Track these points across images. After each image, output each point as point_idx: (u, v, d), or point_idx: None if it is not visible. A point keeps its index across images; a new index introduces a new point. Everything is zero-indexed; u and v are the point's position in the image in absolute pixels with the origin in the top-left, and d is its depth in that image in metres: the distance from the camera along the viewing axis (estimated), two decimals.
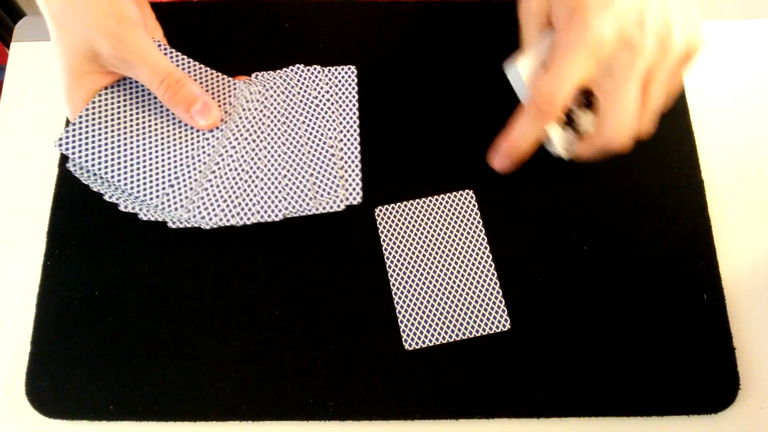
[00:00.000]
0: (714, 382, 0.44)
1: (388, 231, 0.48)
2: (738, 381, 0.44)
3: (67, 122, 0.51)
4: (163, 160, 0.42)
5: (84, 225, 0.48)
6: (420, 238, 0.47)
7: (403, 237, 0.47)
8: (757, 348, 0.46)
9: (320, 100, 0.45)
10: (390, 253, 0.47)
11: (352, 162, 0.44)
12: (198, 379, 0.44)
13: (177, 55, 0.44)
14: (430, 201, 0.48)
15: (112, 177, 0.42)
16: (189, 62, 0.44)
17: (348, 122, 0.45)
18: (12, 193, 0.50)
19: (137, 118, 0.43)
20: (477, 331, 0.45)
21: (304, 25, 0.53)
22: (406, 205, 0.48)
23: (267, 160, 0.43)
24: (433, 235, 0.47)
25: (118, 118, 0.42)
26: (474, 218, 0.48)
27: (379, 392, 0.44)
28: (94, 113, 0.42)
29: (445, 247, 0.47)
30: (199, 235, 0.47)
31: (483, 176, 0.49)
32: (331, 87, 0.45)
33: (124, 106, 0.43)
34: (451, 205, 0.48)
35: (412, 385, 0.44)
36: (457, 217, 0.48)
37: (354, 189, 0.43)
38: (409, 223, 0.48)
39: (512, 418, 0.44)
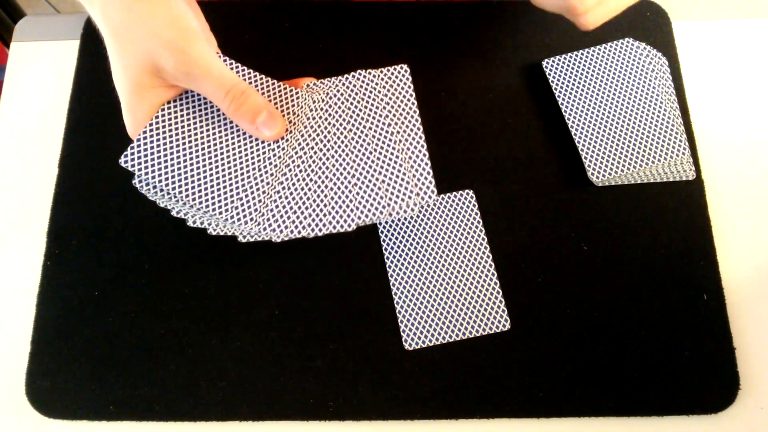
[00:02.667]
0: (714, 382, 0.44)
1: (388, 231, 0.48)
2: (738, 381, 0.44)
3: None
4: (230, 174, 0.41)
5: (84, 225, 0.48)
6: (420, 238, 0.47)
7: (403, 237, 0.47)
8: (757, 348, 0.46)
9: (381, 103, 0.44)
10: (390, 253, 0.47)
11: (421, 161, 0.42)
12: (198, 379, 0.44)
13: (238, 66, 0.43)
14: (434, 194, 0.48)
15: (180, 192, 0.40)
16: (250, 73, 0.43)
17: (410, 122, 0.43)
18: (12, 193, 0.50)
19: (201, 132, 0.42)
20: (477, 331, 0.45)
21: (304, 25, 0.53)
22: None
23: (335, 168, 0.42)
24: (433, 235, 0.47)
25: (183, 133, 0.41)
26: (474, 218, 0.48)
27: (379, 392, 0.44)
28: (157, 128, 0.41)
29: (445, 247, 0.47)
30: (198, 235, 0.47)
31: (483, 176, 0.49)
32: (389, 89, 0.44)
33: (188, 120, 0.42)
34: (451, 205, 0.48)
35: (412, 385, 0.44)
36: (457, 217, 0.48)
37: (428, 188, 0.41)
38: (409, 223, 0.48)
39: (512, 418, 0.44)
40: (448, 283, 0.46)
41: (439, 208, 0.48)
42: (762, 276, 0.48)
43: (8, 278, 0.47)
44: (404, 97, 0.44)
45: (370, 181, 0.42)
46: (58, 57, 0.54)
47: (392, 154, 0.42)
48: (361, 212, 0.41)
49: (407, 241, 0.47)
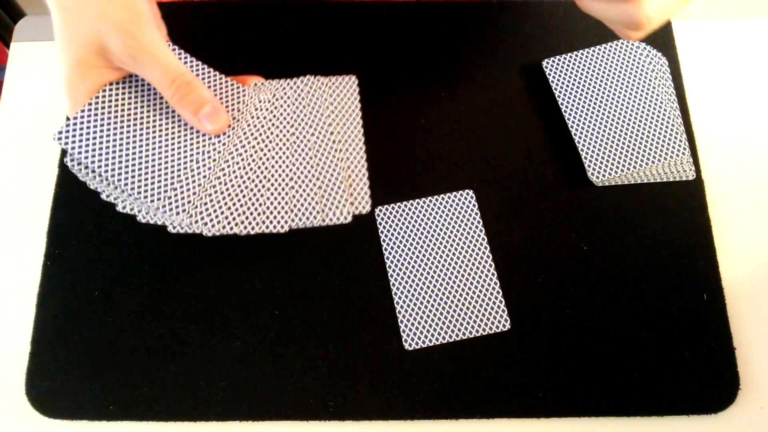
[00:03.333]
0: (714, 382, 0.44)
1: (388, 231, 0.48)
2: (738, 381, 0.44)
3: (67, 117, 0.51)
4: (166, 162, 0.41)
5: (84, 225, 0.48)
6: (420, 238, 0.47)
7: (403, 237, 0.47)
8: (757, 348, 0.46)
9: (325, 111, 0.44)
10: (390, 253, 0.47)
11: (359, 172, 0.43)
12: (198, 379, 0.44)
13: (186, 57, 0.43)
14: (430, 201, 0.48)
15: (112, 176, 0.40)
16: (198, 65, 0.43)
17: (353, 132, 0.44)
18: (12, 193, 0.50)
19: (141, 117, 0.42)
20: (477, 331, 0.45)
21: (304, 25, 0.53)
22: (406, 205, 0.48)
23: (274, 169, 0.42)
24: (433, 235, 0.47)
25: (122, 116, 0.41)
26: (474, 218, 0.48)
27: (379, 392, 0.44)
28: (96, 108, 0.40)
29: (445, 247, 0.47)
30: (198, 235, 0.47)
31: (483, 176, 0.49)
32: (335, 97, 0.45)
33: (128, 103, 0.41)
34: (451, 205, 0.48)
35: (412, 385, 0.44)
36: (457, 217, 0.48)
37: (363, 199, 0.42)
38: (409, 223, 0.48)
39: (512, 418, 0.44)
40: (448, 283, 0.46)
41: (439, 208, 0.48)
42: (762, 276, 0.48)
43: (8, 278, 0.47)
44: (350, 107, 0.45)
45: (306, 185, 0.42)
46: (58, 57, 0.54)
47: (331, 162, 0.43)
48: (296, 215, 0.41)
49: (407, 241, 0.47)
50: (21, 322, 0.46)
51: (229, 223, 0.40)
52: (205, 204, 0.40)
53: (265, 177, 0.42)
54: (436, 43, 0.53)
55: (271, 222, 0.41)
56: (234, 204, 0.41)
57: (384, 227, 0.48)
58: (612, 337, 0.45)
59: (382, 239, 0.47)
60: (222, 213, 0.40)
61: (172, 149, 0.41)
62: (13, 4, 0.86)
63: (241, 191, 0.41)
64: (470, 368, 0.44)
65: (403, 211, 0.48)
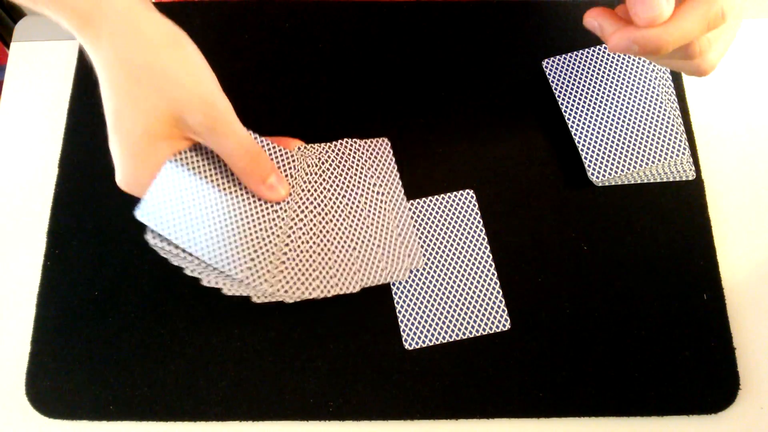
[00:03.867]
0: (714, 382, 0.44)
1: None
2: (738, 381, 0.44)
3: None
4: (241, 234, 0.40)
5: (84, 225, 0.48)
6: (420, 238, 0.47)
7: None
8: (757, 348, 0.46)
9: (368, 173, 0.46)
10: None
11: (408, 227, 0.46)
12: (198, 379, 0.44)
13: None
14: (430, 201, 0.48)
15: (195, 251, 0.39)
16: (251, 132, 0.42)
17: (396, 191, 0.47)
18: (12, 193, 0.50)
19: (209, 189, 0.40)
20: (477, 331, 0.45)
21: (304, 25, 0.53)
22: None
23: (335, 233, 0.44)
24: (433, 235, 0.47)
25: (193, 188, 0.39)
26: (474, 218, 0.48)
27: (379, 392, 0.44)
28: (169, 181, 0.38)
29: (445, 247, 0.47)
30: None
31: (483, 176, 0.49)
32: (373, 160, 0.47)
33: (198, 175, 0.40)
34: (451, 205, 0.48)
35: (412, 385, 0.44)
36: (457, 217, 0.48)
37: (416, 256, 0.45)
38: None
39: (512, 418, 0.44)
40: (448, 283, 0.46)
41: (439, 208, 0.48)
42: (762, 276, 0.48)
43: (8, 278, 0.47)
44: (388, 167, 0.47)
45: (368, 246, 0.44)
46: (58, 57, 0.54)
47: (385, 221, 0.45)
48: (363, 275, 0.43)
49: None
50: (21, 322, 0.46)
51: (306, 288, 0.42)
52: (282, 272, 0.41)
53: (328, 240, 0.43)
54: (436, 43, 0.53)
55: (344, 284, 0.43)
56: (307, 269, 0.42)
57: None
58: (612, 337, 0.45)
59: None
60: (299, 280, 0.42)
61: (243, 220, 0.41)
62: (13, 4, 0.86)
63: (310, 256, 0.42)
64: (470, 368, 0.44)
65: None
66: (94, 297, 0.46)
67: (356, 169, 0.46)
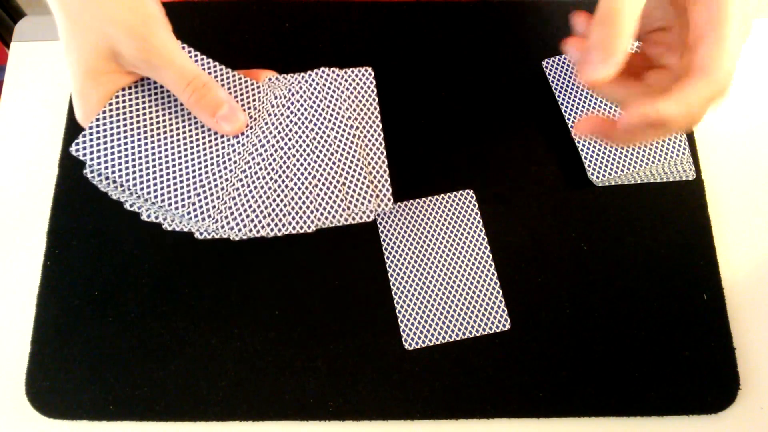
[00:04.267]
0: (714, 382, 0.44)
1: (388, 231, 0.48)
2: (738, 381, 0.44)
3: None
4: (187, 168, 0.40)
5: (84, 225, 0.48)
6: (420, 238, 0.47)
7: (403, 237, 0.47)
8: (757, 348, 0.46)
9: (342, 105, 0.43)
10: (390, 253, 0.47)
11: (380, 168, 0.42)
12: (198, 379, 0.44)
13: (197, 56, 0.42)
14: (430, 201, 0.48)
15: (134, 185, 0.39)
16: (210, 63, 0.42)
17: (371, 126, 0.43)
18: (12, 193, 0.50)
19: (158, 122, 0.40)
20: (477, 331, 0.45)
21: (304, 25, 0.53)
22: (406, 205, 0.48)
23: (296, 168, 0.41)
24: (433, 235, 0.47)
25: (138, 122, 0.40)
26: (474, 218, 0.48)
27: (379, 392, 0.44)
28: (111, 116, 0.39)
29: (445, 247, 0.47)
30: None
31: (483, 176, 0.49)
32: (351, 91, 0.44)
33: (144, 108, 0.40)
34: (451, 205, 0.48)
35: (412, 385, 0.44)
36: (457, 217, 0.48)
37: (384, 195, 0.41)
38: (409, 223, 0.48)
39: (512, 418, 0.44)
40: (448, 283, 0.46)
41: (439, 208, 0.48)
42: (762, 276, 0.48)
43: (8, 278, 0.47)
44: (367, 100, 0.43)
45: (330, 183, 0.41)
46: (58, 57, 0.54)
47: (353, 157, 0.41)
48: (321, 214, 0.40)
49: (407, 240, 0.47)
50: (21, 322, 0.46)
51: (255, 226, 0.39)
52: (230, 208, 0.40)
53: (287, 176, 0.41)
54: (436, 43, 0.53)
55: (297, 222, 0.40)
56: (259, 206, 0.40)
57: (384, 227, 0.48)
58: (612, 337, 0.45)
59: (382, 239, 0.47)
60: (248, 216, 0.39)
61: (192, 153, 0.40)
62: (13, 4, 0.86)
63: (265, 192, 0.40)
64: (470, 368, 0.44)
65: (403, 211, 0.48)
66: (94, 297, 0.46)
67: (328, 101, 0.43)
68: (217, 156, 0.40)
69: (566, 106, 0.50)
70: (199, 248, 0.47)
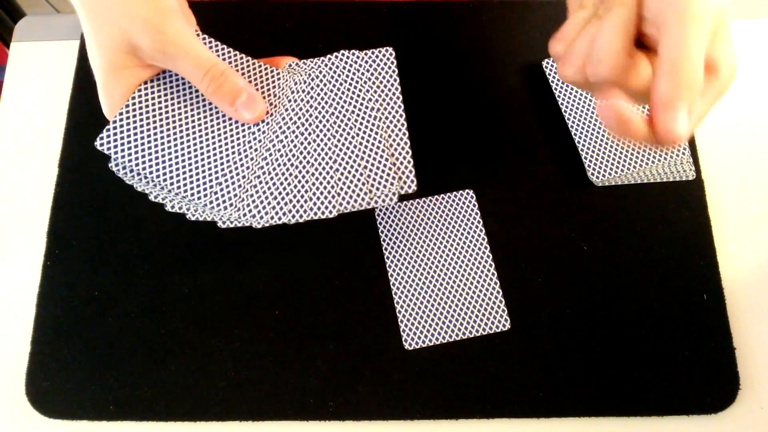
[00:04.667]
0: (714, 382, 0.44)
1: (388, 231, 0.48)
2: (738, 381, 0.44)
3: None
4: (209, 157, 0.40)
5: (84, 225, 0.48)
6: (420, 238, 0.47)
7: (403, 237, 0.47)
8: (757, 348, 0.46)
9: (363, 87, 0.43)
10: (390, 253, 0.47)
11: (402, 149, 0.41)
12: (198, 379, 0.44)
13: (217, 45, 0.42)
14: (430, 201, 0.48)
15: (158, 176, 0.39)
16: (229, 52, 0.42)
17: (393, 108, 0.42)
18: (12, 193, 0.50)
19: (179, 113, 0.41)
20: (477, 331, 0.45)
21: (304, 25, 0.53)
22: (406, 205, 0.48)
23: (317, 153, 0.41)
24: (433, 235, 0.47)
25: (160, 114, 0.40)
26: (474, 218, 0.48)
27: (379, 392, 0.44)
28: (134, 109, 0.40)
29: (445, 247, 0.47)
30: (198, 235, 0.47)
31: (483, 176, 0.49)
32: (372, 72, 0.43)
33: (165, 100, 0.40)
34: (451, 205, 0.48)
35: (412, 385, 0.44)
36: (457, 217, 0.48)
37: (408, 177, 0.40)
38: (409, 223, 0.48)
39: (512, 418, 0.44)
40: (448, 283, 0.46)
41: (439, 208, 0.48)
42: (762, 276, 0.48)
43: (8, 278, 0.47)
44: (388, 81, 0.43)
45: (351, 167, 0.40)
46: (58, 57, 0.54)
47: (375, 140, 0.41)
48: (343, 199, 0.40)
49: (407, 240, 0.47)
50: (21, 322, 0.46)
51: (276, 213, 0.39)
52: (251, 196, 0.40)
53: (308, 162, 0.40)
54: (437, 43, 0.53)
55: (318, 208, 0.39)
56: (280, 193, 0.40)
57: (384, 227, 0.48)
58: (612, 337, 0.45)
59: (382, 239, 0.47)
60: (269, 203, 0.39)
61: (213, 143, 0.40)
62: (13, 4, 0.86)
63: (286, 179, 0.40)
64: (470, 368, 0.44)
65: (403, 211, 0.48)
66: (94, 297, 0.46)
67: (349, 83, 0.42)
68: (238, 144, 0.41)
69: (566, 106, 0.50)
70: (199, 248, 0.47)
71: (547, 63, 0.51)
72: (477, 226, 0.48)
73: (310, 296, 0.46)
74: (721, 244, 0.48)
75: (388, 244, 0.47)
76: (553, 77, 0.51)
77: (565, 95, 0.50)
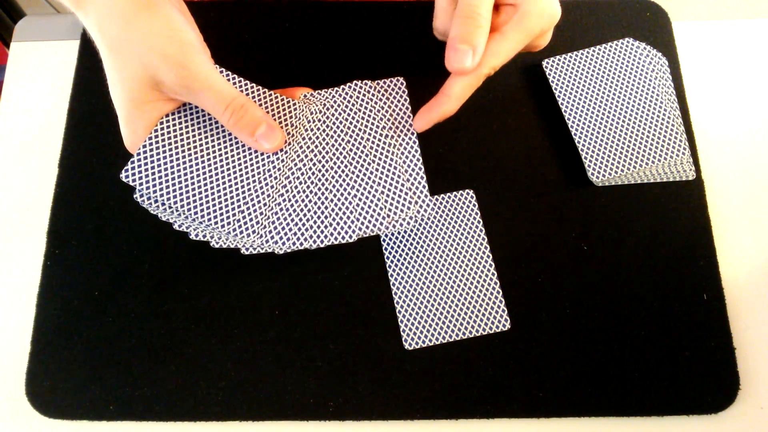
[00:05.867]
0: (714, 382, 0.44)
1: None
2: (738, 381, 0.44)
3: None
4: (230, 186, 0.41)
5: (84, 225, 0.48)
6: (420, 238, 0.47)
7: (403, 237, 0.47)
8: (757, 348, 0.46)
9: (377, 116, 0.44)
10: (390, 253, 0.47)
11: (417, 174, 0.43)
12: (198, 379, 0.44)
13: (235, 78, 0.43)
14: (431, 201, 0.48)
15: (181, 206, 0.41)
16: (248, 84, 0.43)
17: (406, 134, 0.44)
18: (12, 193, 0.50)
19: (201, 145, 0.42)
20: (477, 331, 0.45)
21: (304, 25, 0.53)
22: None
23: (335, 180, 0.42)
24: (433, 235, 0.47)
25: (183, 146, 0.41)
26: (474, 218, 0.48)
27: (379, 392, 0.44)
28: (157, 142, 0.41)
29: (445, 247, 0.47)
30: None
31: (483, 176, 0.49)
32: (384, 101, 0.45)
33: (187, 133, 0.42)
34: (451, 205, 0.48)
35: (412, 385, 0.44)
36: (457, 217, 0.48)
37: (423, 201, 0.42)
38: None
39: (512, 418, 0.44)
40: (448, 283, 0.46)
41: (439, 208, 0.48)
42: (762, 276, 0.48)
43: (8, 278, 0.47)
44: (401, 109, 0.45)
45: (369, 192, 0.42)
46: (58, 57, 0.54)
47: (390, 165, 0.43)
48: (362, 223, 0.41)
49: (407, 241, 0.47)
50: (21, 322, 0.46)
51: (298, 238, 0.41)
52: (273, 223, 0.41)
53: (326, 188, 0.42)
54: (437, 43, 0.53)
55: (339, 233, 0.41)
56: (300, 219, 0.41)
57: None
58: (612, 337, 0.45)
59: (382, 239, 0.47)
60: (291, 230, 0.41)
61: (234, 172, 0.42)
62: (13, 4, 0.86)
63: (306, 205, 0.42)
64: (470, 368, 0.44)
65: None
66: (94, 297, 0.46)
67: (363, 113, 0.44)
68: (259, 173, 0.42)
69: (566, 106, 0.50)
70: (199, 249, 0.47)
71: (547, 63, 0.51)
72: (477, 226, 0.48)
73: (310, 296, 0.46)
74: (721, 244, 0.48)
75: (388, 244, 0.47)
76: (553, 77, 0.51)
77: (565, 95, 0.50)
